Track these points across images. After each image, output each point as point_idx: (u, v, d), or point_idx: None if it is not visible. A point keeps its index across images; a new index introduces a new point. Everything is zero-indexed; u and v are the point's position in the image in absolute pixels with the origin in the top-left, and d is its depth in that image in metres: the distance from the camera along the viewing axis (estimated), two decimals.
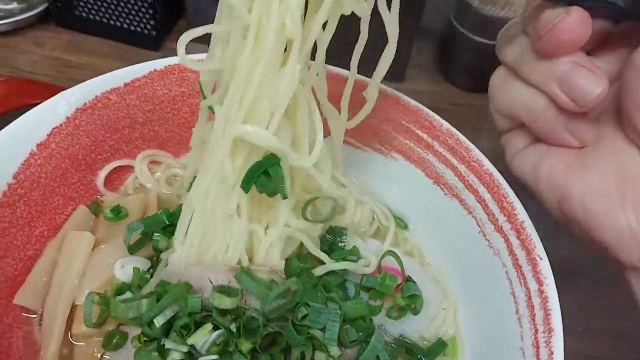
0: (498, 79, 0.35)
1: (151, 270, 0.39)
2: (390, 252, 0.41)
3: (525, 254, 0.38)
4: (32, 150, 0.40)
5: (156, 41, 0.65)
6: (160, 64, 0.44)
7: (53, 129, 0.41)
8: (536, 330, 0.35)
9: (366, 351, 0.36)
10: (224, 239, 0.37)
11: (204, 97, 0.36)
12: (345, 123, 0.38)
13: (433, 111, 0.66)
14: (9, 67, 0.63)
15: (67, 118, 0.41)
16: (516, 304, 0.37)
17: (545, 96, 0.32)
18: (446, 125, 0.44)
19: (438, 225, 0.44)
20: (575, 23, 0.29)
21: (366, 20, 0.32)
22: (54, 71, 0.62)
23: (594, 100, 0.30)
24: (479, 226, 0.41)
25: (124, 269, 0.39)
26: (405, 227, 0.46)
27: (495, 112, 0.36)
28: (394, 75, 0.66)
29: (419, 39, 0.64)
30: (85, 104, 0.42)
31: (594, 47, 0.32)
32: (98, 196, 0.45)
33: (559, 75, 0.31)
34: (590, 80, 0.30)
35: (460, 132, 0.63)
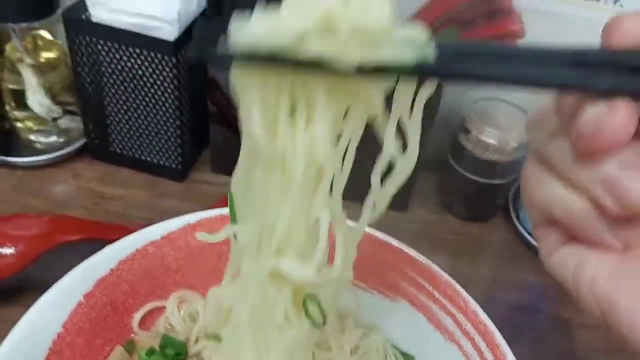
0: (531, 173, 0.31)
1: None
2: None
3: None
4: (80, 300, 0.45)
5: (182, 173, 0.71)
6: (193, 218, 0.51)
7: (99, 280, 0.46)
8: None
9: None
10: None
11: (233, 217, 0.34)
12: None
13: (434, 239, 0.72)
14: (46, 198, 0.69)
15: (111, 270, 0.47)
16: None
17: (587, 198, 0.28)
18: (446, 276, 0.49)
19: None
20: (622, 122, 0.26)
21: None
22: (90, 203, 0.68)
23: None
24: None
25: None
26: None
27: (528, 206, 0.32)
28: (398, 205, 0.72)
29: (420, 173, 0.71)
30: (127, 256, 0.48)
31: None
32: (132, 334, 0.50)
33: (604, 178, 0.27)
34: (638, 184, 0.26)
35: (458, 259, 0.68)
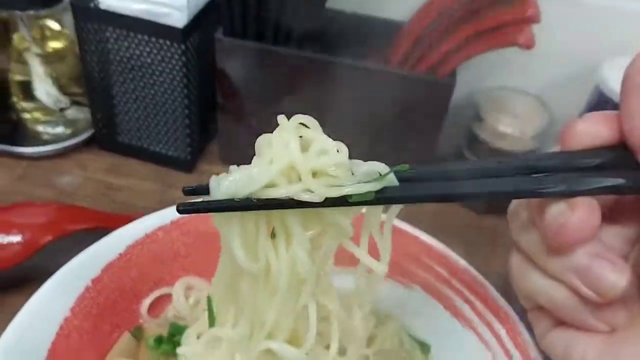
0: (515, 265, 0.33)
1: None
2: None
3: None
4: (87, 285, 0.44)
5: (190, 164, 0.70)
6: None
7: (107, 265, 0.45)
8: None
9: None
10: None
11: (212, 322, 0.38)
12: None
13: (448, 232, 0.70)
14: (52, 188, 0.67)
15: (120, 254, 0.46)
16: None
17: (566, 287, 0.30)
18: (462, 262, 0.48)
19: (456, 356, 0.47)
20: (583, 220, 0.28)
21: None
22: (96, 193, 0.67)
23: (619, 292, 0.28)
24: (495, 359, 0.44)
25: None
26: (428, 353, 0.49)
27: (518, 294, 0.34)
28: None
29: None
30: (136, 241, 0.47)
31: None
32: (141, 320, 0.49)
33: (576, 269, 0.29)
34: (611, 272, 0.28)
35: (473, 253, 0.67)
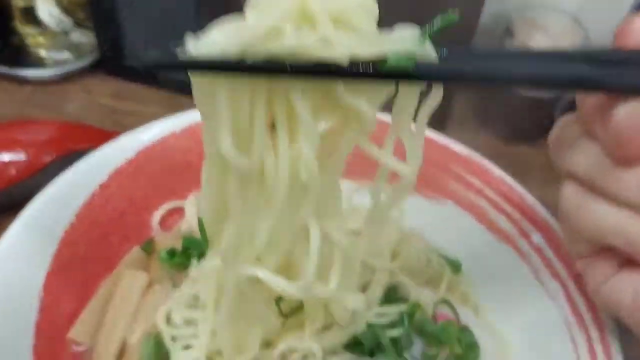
0: (572, 197, 0.27)
1: None
2: (445, 301, 0.41)
3: (584, 301, 0.37)
4: (94, 190, 0.41)
5: None
6: None
7: (115, 170, 0.42)
8: None
9: None
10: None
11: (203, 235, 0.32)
12: None
13: None
14: (58, 113, 0.64)
15: (129, 160, 0.43)
16: (577, 353, 0.37)
17: None
18: (498, 171, 0.44)
19: (491, 272, 0.44)
20: None
21: None
22: (102, 117, 0.64)
23: None
24: (535, 273, 0.41)
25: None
26: (458, 271, 0.46)
27: (570, 236, 0.30)
28: (435, 125, 0.66)
29: (459, 90, 0.65)
30: (146, 146, 0.43)
31: None
32: (152, 233, 0.46)
33: None
34: None
35: None
